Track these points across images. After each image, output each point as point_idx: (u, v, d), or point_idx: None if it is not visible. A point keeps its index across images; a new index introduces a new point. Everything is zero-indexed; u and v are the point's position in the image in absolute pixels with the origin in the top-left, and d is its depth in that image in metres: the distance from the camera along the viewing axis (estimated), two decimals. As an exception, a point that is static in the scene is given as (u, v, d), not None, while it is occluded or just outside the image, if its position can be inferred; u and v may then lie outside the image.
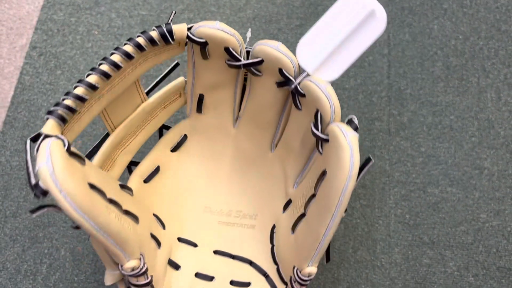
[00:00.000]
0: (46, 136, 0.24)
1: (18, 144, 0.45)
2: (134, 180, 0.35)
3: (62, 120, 0.27)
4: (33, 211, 0.24)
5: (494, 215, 0.42)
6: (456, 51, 0.49)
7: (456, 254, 0.41)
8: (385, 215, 0.43)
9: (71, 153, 0.25)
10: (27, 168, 0.23)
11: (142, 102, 0.35)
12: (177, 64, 0.37)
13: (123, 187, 0.33)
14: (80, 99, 0.27)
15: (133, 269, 0.28)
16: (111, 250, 0.26)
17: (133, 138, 0.35)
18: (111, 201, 0.28)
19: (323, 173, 0.29)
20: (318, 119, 0.29)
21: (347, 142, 0.26)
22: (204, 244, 0.36)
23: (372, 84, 0.48)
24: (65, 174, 0.23)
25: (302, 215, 0.31)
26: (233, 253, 0.35)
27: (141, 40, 0.30)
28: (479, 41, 0.49)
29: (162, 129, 0.39)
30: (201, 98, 0.36)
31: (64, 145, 0.24)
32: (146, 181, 0.36)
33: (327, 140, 0.29)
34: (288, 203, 0.35)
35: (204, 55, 0.33)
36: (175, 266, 0.33)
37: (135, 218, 0.30)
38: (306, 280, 0.30)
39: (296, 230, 0.32)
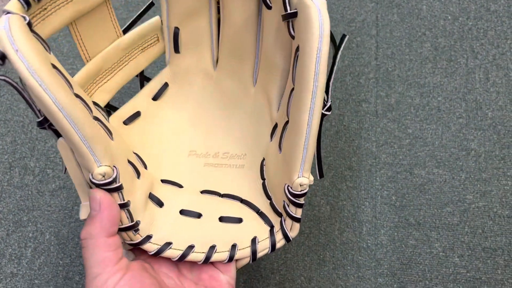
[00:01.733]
0: (8, 13, 0.23)
1: (1, 128, 0.45)
2: (113, 121, 0.34)
3: (27, 3, 0.24)
4: None
5: (480, 196, 0.42)
6: (445, 31, 0.48)
7: (441, 235, 0.41)
8: (372, 197, 0.42)
9: (33, 32, 0.24)
10: None
11: (118, 37, 0.34)
12: (152, 3, 0.36)
13: (97, 105, 0.32)
14: None
15: (104, 177, 0.26)
16: (78, 146, 0.24)
17: (111, 75, 0.34)
18: (78, 96, 0.26)
19: (297, 50, 0.27)
20: (286, 0, 0.27)
21: (313, 3, 0.24)
22: (191, 186, 0.34)
23: (359, 66, 0.47)
24: (23, 35, 0.22)
25: (286, 123, 0.30)
26: (222, 192, 0.34)
27: None
28: (468, 21, 0.48)
29: (143, 81, 0.38)
30: (176, 33, 0.35)
31: (25, 20, 0.23)
32: (126, 123, 0.35)
33: (295, 14, 0.27)
34: (274, 129, 0.34)
35: None
36: (158, 202, 0.31)
37: (108, 131, 0.29)
38: (299, 195, 0.28)
39: (282, 144, 0.30)
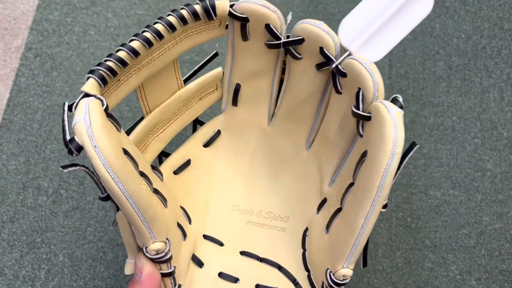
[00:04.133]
0: (86, 95, 0.24)
1: (14, 147, 0.45)
2: (164, 170, 0.35)
3: (103, 81, 0.26)
4: (64, 167, 0.24)
5: (497, 217, 0.42)
6: (459, 50, 0.48)
7: (458, 257, 0.41)
8: (387, 218, 0.42)
9: (108, 115, 0.25)
10: (63, 125, 0.24)
11: (179, 88, 0.35)
12: (216, 54, 0.36)
13: (154, 168, 0.33)
14: (122, 62, 0.27)
15: (157, 252, 0.27)
16: (138, 226, 0.25)
17: (167, 125, 0.35)
18: (142, 174, 0.27)
19: (363, 154, 0.27)
20: (359, 97, 0.28)
21: (390, 116, 0.24)
22: (231, 244, 0.34)
23: (373, 85, 0.47)
24: (102, 131, 0.22)
25: (338, 210, 0.30)
26: (261, 255, 0.34)
27: (184, 12, 0.29)
28: (481, 40, 0.48)
29: (196, 124, 0.38)
30: (237, 89, 0.36)
31: (103, 105, 0.24)
32: (176, 172, 0.36)
33: (369, 118, 0.27)
34: (322, 203, 0.34)
35: (244, 34, 0.32)
36: (199, 263, 0.32)
37: (164, 200, 0.29)
38: (340, 284, 0.28)
39: (330, 228, 0.30)
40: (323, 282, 0.29)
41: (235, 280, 0.31)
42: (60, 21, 0.49)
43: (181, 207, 0.34)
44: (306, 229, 0.34)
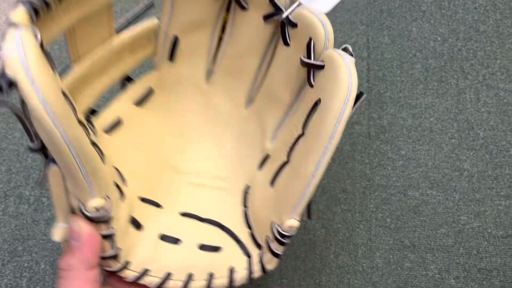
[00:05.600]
0: (16, 26, 0.20)
1: (-4, 157, 0.45)
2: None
3: (35, 12, 0.22)
4: None
5: (474, 216, 0.42)
6: (435, 53, 0.49)
7: (437, 256, 0.41)
8: (366, 220, 0.43)
9: (44, 51, 0.22)
10: None
11: (111, 36, 0.31)
12: (151, 4, 0.33)
13: (88, 120, 0.30)
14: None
15: (97, 210, 0.24)
16: (78, 180, 0.23)
17: (97, 80, 0.31)
18: (80, 123, 0.25)
19: (316, 103, 0.27)
20: (311, 47, 0.27)
21: (345, 64, 0.25)
22: (170, 206, 0.33)
23: (351, 88, 0.48)
24: (39, 65, 0.19)
25: (284, 164, 0.29)
26: (202, 216, 0.33)
27: None
28: (457, 42, 0.49)
29: (125, 81, 0.35)
30: (175, 42, 0.33)
31: (37, 39, 0.20)
32: (107, 131, 0.33)
33: (322, 66, 0.27)
34: (265, 160, 0.33)
35: None
36: (137, 225, 0.30)
37: (101, 154, 0.27)
38: (286, 236, 0.27)
39: (276, 181, 0.30)
40: (267, 237, 0.29)
41: (177, 241, 0.30)
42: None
43: (115, 168, 0.31)
44: (247, 187, 0.33)
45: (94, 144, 0.26)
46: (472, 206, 0.43)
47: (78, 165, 0.22)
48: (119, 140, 0.33)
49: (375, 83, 0.48)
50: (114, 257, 0.27)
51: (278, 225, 0.27)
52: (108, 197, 0.25)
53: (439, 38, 0.49)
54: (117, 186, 0.29)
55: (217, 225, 0.32)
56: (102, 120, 0.33)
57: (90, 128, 0.30)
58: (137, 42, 0.33)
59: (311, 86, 0.28)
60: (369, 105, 0.47)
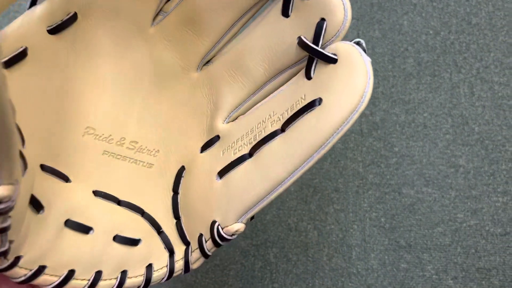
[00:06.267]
0: None
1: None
2: None
3: None
4: None
5: (471, 214, 0.41)
6: (427, 46, 0.47)
7: (434, 256, 0.40)
8: (360, 220, 0.41)
9: None
10: None
11: None
12: None
13: None
14: None
15: (1, 201, 0.17)
16: None
17: None
18: None
19: (314, 103, 0.22)
20: (322, 30, 0.22)
21: (366, 67, 0.20)
22: (81, 180, 0.26)
23: (342, 84, 0.46)
24: None
25: (243, 157, 0.24)
26: (120, 197, 0.27)
27: None
28: (450, 35, 0.48)
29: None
30: None
31: None
32: (6, 64, 0.23)
33: (334, 60, 0.22)
34: (212, 142, 0.27)
35: None
36: (37, 206, 0.23)
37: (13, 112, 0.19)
38: (227, 239, 0.23)
39: (229, 175, 0.25)
40: (201, 235, 0.25)
41: (88, 229, 0.24)
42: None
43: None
44: (182, 169, 0.28)
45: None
46: (469, 203, 0.41)
47: None
48: (20, 79, 0.24)
49: (367, 78, 0.46)
50: (3, 253, 0.20)
51: (220, 226, 0.23)
52: (16, 180, 0.18)
53: (431, 32, 0.48)
54: (22, 157, 0.20)
55: (138, 211, 0.26)
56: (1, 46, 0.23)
57: None
58: None
59: (309, 78, 0.24)
60: (361, 101, 0.45)
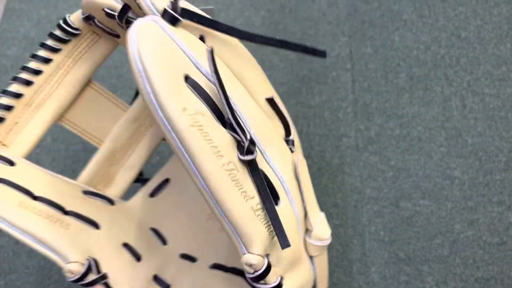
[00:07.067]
0: None
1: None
2: (139, 194, 0.35)
3: None
4: None
5: (468, 225, 0.42)
6: (419, 61, 0.48)
7: (433, 268, 0.40)
8: (359, 234, 0.42)
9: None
10: None
11: (123, 110, 0.34)
12: None
13: (95, 194, 0.32)
14: (5, 107, 0.29)
15: (72, 273, 0.25)
16: (37, 250, 0.26)
17: (130, 151, 0.34)
18: (39, 199, 0.28)
19: None
20: None
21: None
22: (203, 258, 0.33)
23: (337, 100, 0.47)
24: None
25: None
26: (228, 264, 0.32)
27: (49, 42, 0.30)
28: (440, 50, 0.49)
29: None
30: None
31: None
32: (152, 195, 0.35)
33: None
34: None
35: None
36: (165, 286, 0.30)
37: (89, 222, 0.29)
38: (254, 278, 0.22)
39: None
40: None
41: None
42: (18, 56, 0.49)
43: (153, 229, 0.33)
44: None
45: (75, 215, 0.29)
46: (465, 214, 0.42)
47: (18, 234, 0.27)
48: (165, 199, 0.35)
49: (361, 94, 0.47)
50: None
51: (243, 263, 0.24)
52: (94, 260, 0.27)
53: (421, 47, 0.49)
54: (130, 248, 0.30)
55: (240, 275, 0.31)
56: (149, 184, 0.35)
57: (93, 198, 0.32)
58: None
59: None
60: (356, 116, 0.46)
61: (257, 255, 0.21)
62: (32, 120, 0.30)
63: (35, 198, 0.28)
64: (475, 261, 0.40)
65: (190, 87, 0.20)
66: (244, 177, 0.21)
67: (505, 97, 0.46)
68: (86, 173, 0.32)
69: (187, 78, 0.20)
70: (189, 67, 0.20)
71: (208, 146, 0.20)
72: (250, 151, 0.21)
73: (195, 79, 0.20)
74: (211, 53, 0.20)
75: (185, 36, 0.21)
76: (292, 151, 0.26)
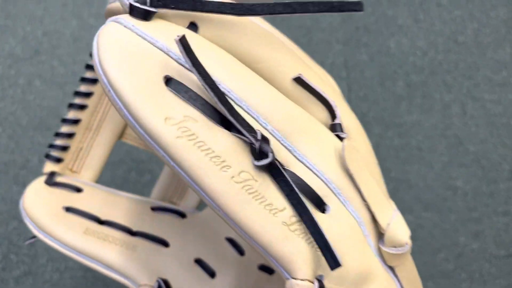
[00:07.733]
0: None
1: (-42, 214, 0.41)
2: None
3: (56, 159, 0.29)
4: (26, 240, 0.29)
5: (473, 237, 0.40)
6: (416, 67, 0.47)
7: (438, 284, 0.39)
8: (360, 250, 0.40)
9: (54, 184, 0.29)
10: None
11: None
12: None
13: (165, 209, 0.31)
14: (67, 135, 0.29)
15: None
16: (107, 275, 0.27)
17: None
18: (105, 223, 0.28)
19: None
20: None
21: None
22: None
23: (333, 111, 0.46)
24: (31, 202, 0.27)
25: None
26: None
27: (87, 74, 0.31)
28: (437, 55, 0.47)
29: None
30: None
31: (48, 179, 0.29)
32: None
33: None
34: None
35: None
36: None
37: (158, 241, 0.29)
38: None
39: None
40: None
41: None
42: (3, 74, 0.47)
43: (228, 239, 0.30)
44: None
45: (142, 235, 0.30)
46: (470, 226, 0.40)
47: (85, 261, 0.28)
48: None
49: (357, 103, 0.46)
50: None
51: None
52: (165, 281, 0.27)
53: (418, 52, 0.48)
54: (202, 265, 0.30)
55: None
56: None
57: (164, 214, 0.32)
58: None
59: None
60: (353, 127, 0.45)
61: (302, 280, 0.17)
62: (95, 143, 0.31)
63: (102, 222, 0.28)
64: (481, 275, 0.39)
65: (172, 90, 0.17)
66: (266, 186, 0.17)
67: (506, 102, 0.44)
68: (157, 188, 0.32)
69: (168, 80, 0.17)
70: (170, 66, 0.17)
71: (206, 158, 0.17)
72: (264, 153, 0.17)
73: (180, 79, 0.17)
74: (180, 42, 0.16)
75: (163, 30, 0.18)
76: (341, 138, 0.21)
